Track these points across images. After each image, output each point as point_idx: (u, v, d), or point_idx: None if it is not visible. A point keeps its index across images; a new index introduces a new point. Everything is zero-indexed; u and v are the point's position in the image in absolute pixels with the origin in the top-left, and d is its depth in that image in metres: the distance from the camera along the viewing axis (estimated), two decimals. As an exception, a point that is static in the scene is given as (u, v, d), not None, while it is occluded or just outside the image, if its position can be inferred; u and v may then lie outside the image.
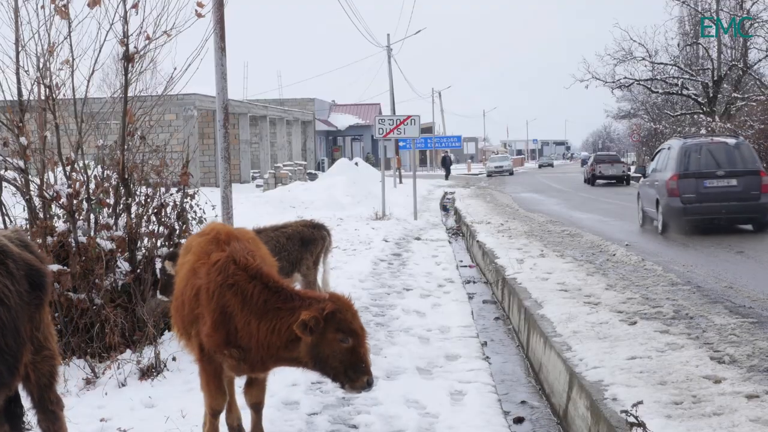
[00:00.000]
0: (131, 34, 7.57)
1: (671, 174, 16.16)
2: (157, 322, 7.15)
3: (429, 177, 54.35)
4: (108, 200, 7.56)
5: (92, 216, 7.37)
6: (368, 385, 4.37)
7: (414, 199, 23.07)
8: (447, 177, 53.28)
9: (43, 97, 7.30)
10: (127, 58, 7.59)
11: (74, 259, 6.96)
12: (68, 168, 7.34)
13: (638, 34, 40.65)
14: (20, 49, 7.27)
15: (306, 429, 5.56)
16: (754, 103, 33.39)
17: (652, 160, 19.03)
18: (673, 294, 9.01)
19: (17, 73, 7.37)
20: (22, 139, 7.06)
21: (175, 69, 7.97)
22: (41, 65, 7.26)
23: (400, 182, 38.90)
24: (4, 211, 7.14)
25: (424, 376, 6.85)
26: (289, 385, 6.37)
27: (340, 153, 59.15)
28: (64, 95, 7.50)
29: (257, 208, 21.57)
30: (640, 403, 4.90)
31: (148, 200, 7.77)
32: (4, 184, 7.12)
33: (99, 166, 7.66)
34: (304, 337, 4.31)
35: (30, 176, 7.24)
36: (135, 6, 7.53)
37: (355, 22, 73.15)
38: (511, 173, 64.09)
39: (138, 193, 7.78)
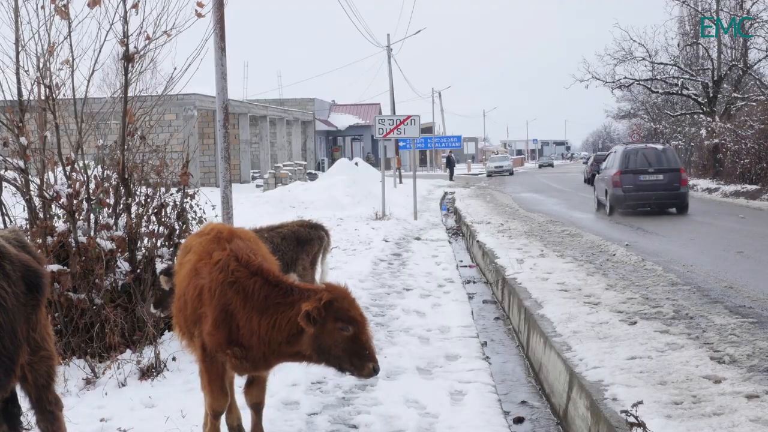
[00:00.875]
0: (131, 34, 7.57)
1: (615, 170, 21.19)
2: (157, 322, 7.14)
3: (429, 177, 54.29)
4: (108, 200, 7.56)
5: (92, 216, 7.36)
6: (374, 371, 4.33)
7: (414, 199, 23.06)
8: (451, 177, 53.16)
9: (43, 97, 7.29)
10: (127, 58, 7.59)
11: (74, 259, 6.95)
12: (68, 168, 7.34)
13: (638, 34, 40.84)
14: (20, 49, 7.26)
15: (306, 429, 5.56)
16: (754, 103, 33.45)
17: (604, 160, 24.64)
18: (673, 294, 9.01)
19: (17, 73, 7.36)
20: (22, 139, 7.06)
21: (175, 69, 7.97)
22: (41, 65, 7.25)
23: (400, 182, 38.89)
24: (4, 211, 7.14)
25: (424, 376, 6.85)
26: (289, 385, 6.37)
27: (340, 153, 59.09)
28: (64, 95, 7.48)
29: (257, 208, 21.57)
30: (640, 403, 4.91)
31: (148, 200, 7.77)
32: (4, 184, 7.11)
33: (99, 166, 7.65)
34: (308, 329, 4.29)
35: (30, 176, 7.23)
36: (135, 6, 7.53)
37: (355, 22, 73.27)
38: (511, 173, 64.05)
39: (138, 193, 7.77)
